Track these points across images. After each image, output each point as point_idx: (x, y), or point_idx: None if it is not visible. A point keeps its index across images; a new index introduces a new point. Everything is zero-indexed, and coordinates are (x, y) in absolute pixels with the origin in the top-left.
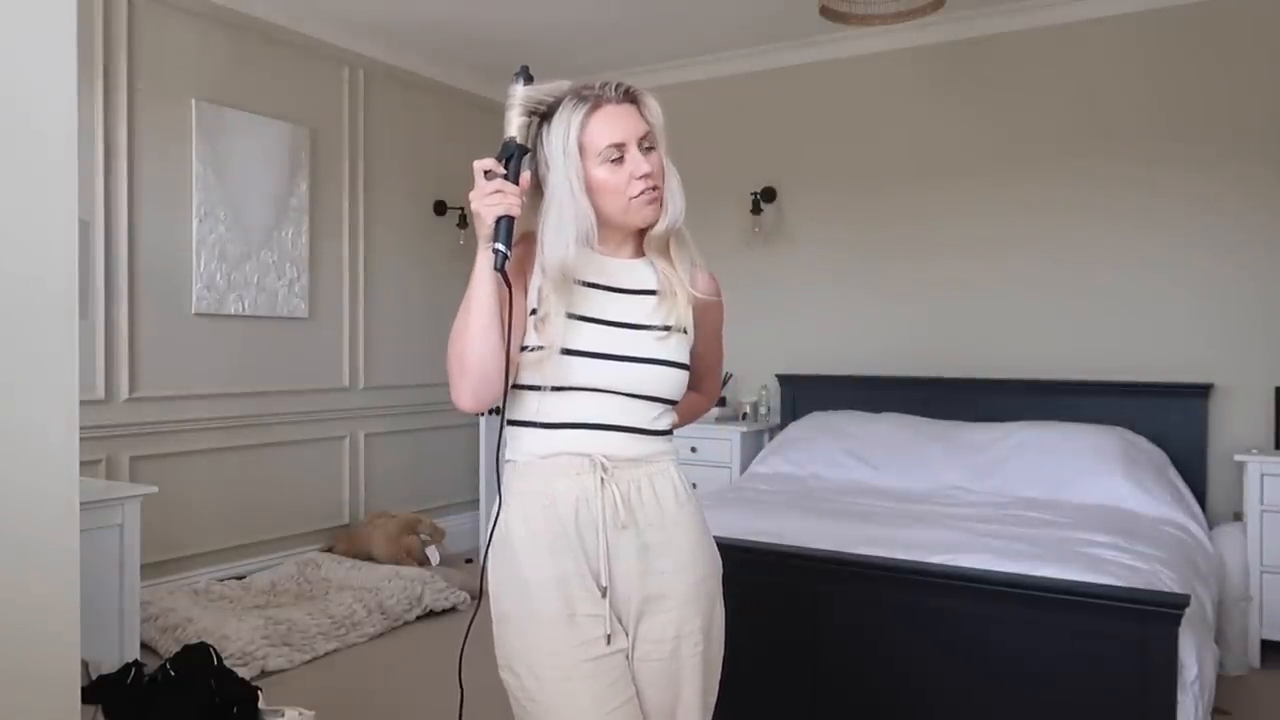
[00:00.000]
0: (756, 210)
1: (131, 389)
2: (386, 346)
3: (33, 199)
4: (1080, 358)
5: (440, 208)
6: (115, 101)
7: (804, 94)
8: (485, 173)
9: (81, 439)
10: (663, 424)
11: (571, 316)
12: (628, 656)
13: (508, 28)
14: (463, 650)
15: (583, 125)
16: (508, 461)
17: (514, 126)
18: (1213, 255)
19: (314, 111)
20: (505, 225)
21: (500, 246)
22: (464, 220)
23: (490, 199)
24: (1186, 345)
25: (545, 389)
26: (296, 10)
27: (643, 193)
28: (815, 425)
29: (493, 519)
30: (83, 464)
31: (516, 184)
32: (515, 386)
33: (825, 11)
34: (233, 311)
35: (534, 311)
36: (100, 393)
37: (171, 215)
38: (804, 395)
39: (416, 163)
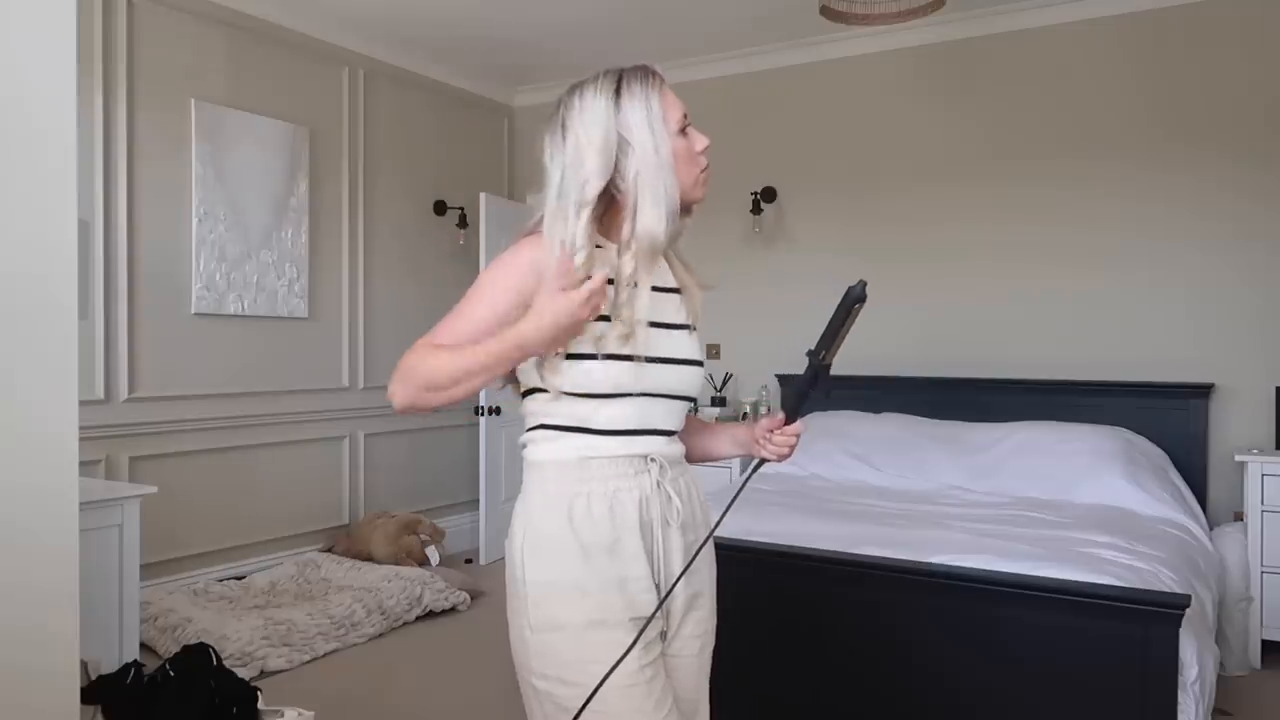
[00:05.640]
0: (756, 210)
1: (131, 389)
2: (386, 346)
3: (33, 199)
4: (1080, 358)
5: (440, 208)
6: (115, 101)
7: (804, 94)
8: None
9: (81, 439)
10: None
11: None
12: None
13: (507, 27)
14: (617, 664)
15: (660, 99)
16: (536, 463)
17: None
18: (1213, 255)
19: (314, 111)
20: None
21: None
22: (464, 220)
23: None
24: (1186, 345)
25: (604, 395)
26: (296, 10)
27: (706, 167)
28: (816, 425)
29: (525, 523)
30: (83, 464)
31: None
32: (566, 393)
33: (825, 11)
34: (232, 311)
35: (604, 318)
36: (100, 393)
37: (171, 215)
38: None
39: (416, 163)
